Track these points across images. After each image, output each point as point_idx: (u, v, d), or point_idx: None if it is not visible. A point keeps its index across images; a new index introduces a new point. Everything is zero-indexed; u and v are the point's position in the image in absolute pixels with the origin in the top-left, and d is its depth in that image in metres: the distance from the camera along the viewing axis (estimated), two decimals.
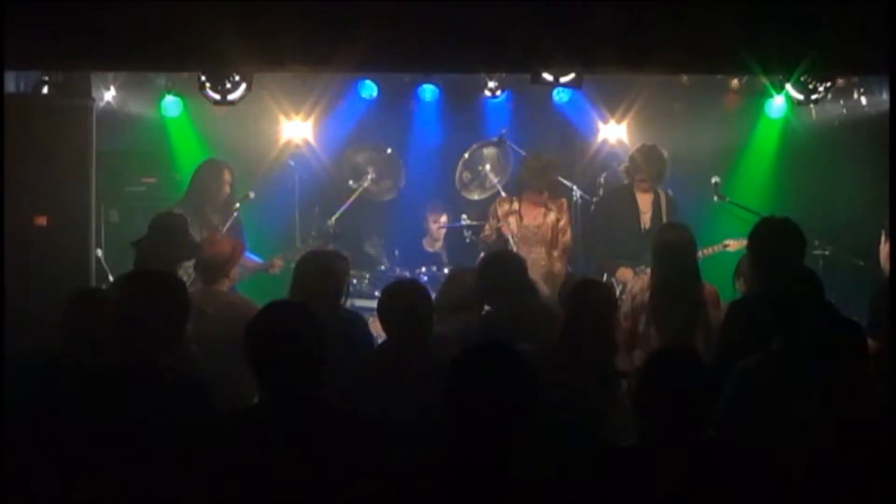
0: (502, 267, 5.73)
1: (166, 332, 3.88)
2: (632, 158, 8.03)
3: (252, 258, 7.55)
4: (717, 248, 7.74)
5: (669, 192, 8.04)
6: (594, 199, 8.47)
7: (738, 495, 3.41)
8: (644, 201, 7.93)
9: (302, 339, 3.42)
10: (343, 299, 5.57)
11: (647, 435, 3.45)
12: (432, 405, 3.35)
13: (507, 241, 7.74)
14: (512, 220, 7.82)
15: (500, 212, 7.97)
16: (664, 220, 7.78)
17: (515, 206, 7.99)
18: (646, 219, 7.89)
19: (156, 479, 3.55)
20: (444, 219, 9.02)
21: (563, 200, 8.05)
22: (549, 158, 8.06)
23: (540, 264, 7.72)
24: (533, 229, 7.85)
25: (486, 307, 5.67)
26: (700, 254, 6.73)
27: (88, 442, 3.62)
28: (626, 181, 8.15)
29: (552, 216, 7.86)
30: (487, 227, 8.00)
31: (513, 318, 5.32)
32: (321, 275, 5.37)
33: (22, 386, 4.06)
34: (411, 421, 3.89)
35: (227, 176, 7.78)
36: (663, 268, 5.78)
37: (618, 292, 7.55)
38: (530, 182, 7.92)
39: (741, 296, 5.55)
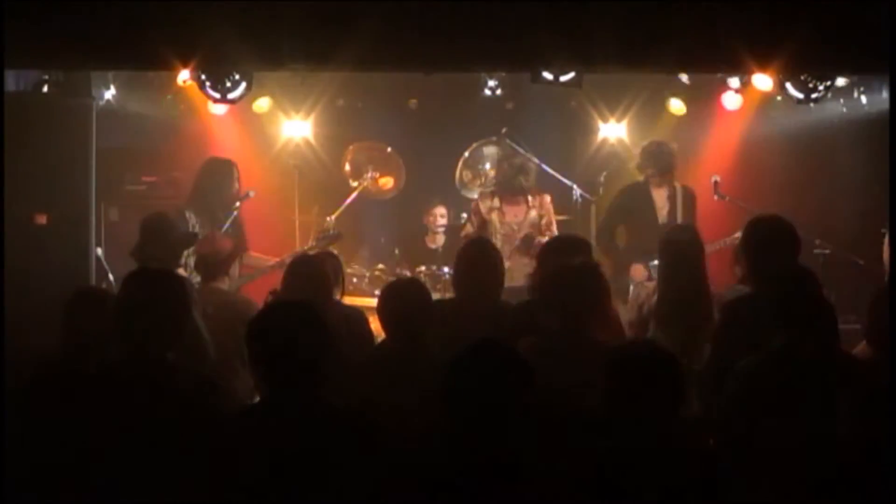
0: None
1: (167, 329, 3.84)
2: (641, 155, 8.06)
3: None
4: (718, 243, 7.69)
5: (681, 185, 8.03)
6: (594, 199, 8.48)
7: (734, 496, 3.41)
8: (659, 196, 7.95)
9: (303, 339, 3.42)
10: (339, 294, 5.59)
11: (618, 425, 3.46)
12: (431, 404, 3.36)
13: (489, 238, 7.71)
14: (494, 216, 7.83)
15: (482, 209, 7.99)
16: (680, 213, 7.81)
17: (497, 202, 8.00)
18: (662, 213, 7.93)
19: (159, 478, 3.56)
20: (439, 210, 9.01)
21: (546, 197, 8.05)
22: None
23: (523, 262, 7.69)
24: (514, 226, 7.86)
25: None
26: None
27: (91, 442, 3.62)
28: (640, 179, 8.15)
29: (533, 213, 7.87)
30: (469, 224, 7.97)
31: None
32: (312, 276, 5.37)
33: (24, 386, 4.05)
34: (410, 420, 3.89)
35: (235, 172, 7.76)
36: (670, 271, 5.72)
37: (630, 289, 7.55)
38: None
39: (737, 293, 5.52)
